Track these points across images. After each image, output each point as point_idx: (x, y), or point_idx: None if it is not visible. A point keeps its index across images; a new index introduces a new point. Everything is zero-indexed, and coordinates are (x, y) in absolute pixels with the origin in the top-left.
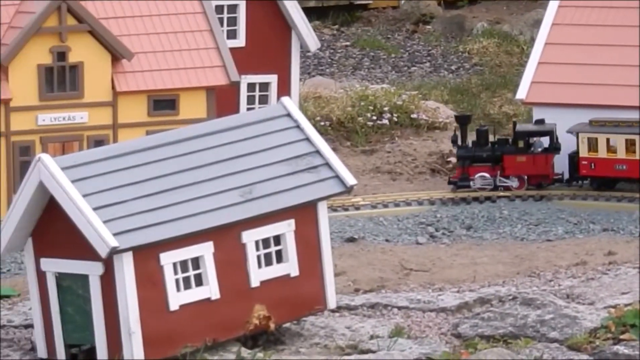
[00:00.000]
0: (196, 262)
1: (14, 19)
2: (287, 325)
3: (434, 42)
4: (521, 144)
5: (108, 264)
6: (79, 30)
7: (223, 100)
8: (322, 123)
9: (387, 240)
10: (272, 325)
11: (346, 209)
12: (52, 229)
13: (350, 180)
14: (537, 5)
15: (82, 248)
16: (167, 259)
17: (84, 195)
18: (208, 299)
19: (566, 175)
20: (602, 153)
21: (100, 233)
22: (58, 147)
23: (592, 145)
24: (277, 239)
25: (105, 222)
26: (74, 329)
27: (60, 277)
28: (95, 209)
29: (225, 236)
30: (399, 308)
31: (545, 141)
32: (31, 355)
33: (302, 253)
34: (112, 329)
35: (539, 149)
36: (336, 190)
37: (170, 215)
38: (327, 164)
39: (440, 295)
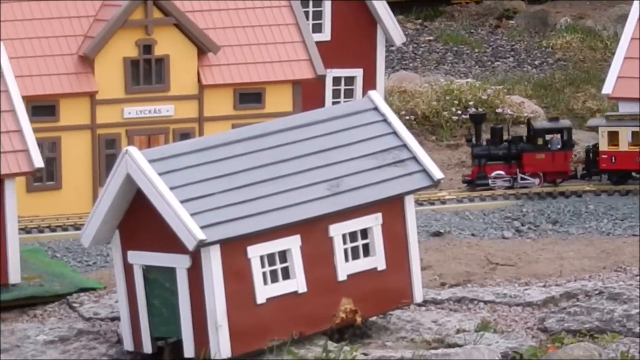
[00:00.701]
0: (283, 255)
1: (99, 12)
2: (374, 319)
3: (518, 37)
4: (540, 141)
5: (195, 256)
6: (165, 23)
7: (309, 94)
8: (407, 117)
9: (473, 235)
10: (358, 319)
11: (432, 203)
12: (140, 221)
13: (437, 174)
14: (620, 1)
15: (169, 241)
16: (255, 252)
17: (172, 188)
18: (295, 292)
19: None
20: (623, 146)
21: (188, 226)
22: (144, 140)
23: (612, 139)
24: (364, 233)
25: (192, 214)
26: (160, 321)
27: (147, 270)
28: (182, 201)
29: (313, 229)
30: (485, 302)
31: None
32: (117, 347)
33: (389, 247)
34: (199, 322)
35: (557, 146)
36: (423, 184)
37: (257, 208)
38: (414, 158)
39: (526, 290)
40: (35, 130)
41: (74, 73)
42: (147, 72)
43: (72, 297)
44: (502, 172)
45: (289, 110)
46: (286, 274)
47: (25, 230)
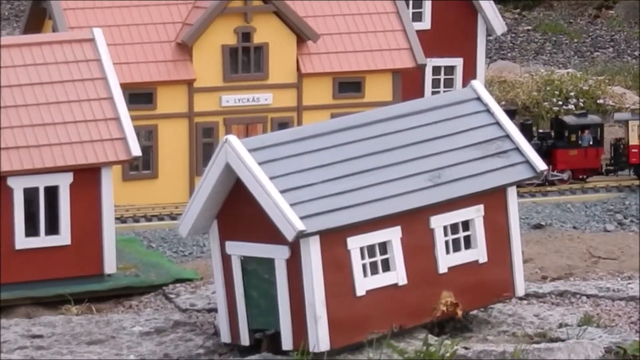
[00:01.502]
0: (383, 247)
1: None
2: (475, 312)
3: (617, 27)
4: (573, 137)
5: (294, 247)
6: (265, 10)
7: (408, 84)
8: (507, 108)
9: (574, 227)
10: (459, 312)
11: (533, 195)
12: (238, 211)
13: (541, 165)
14: None
15: (268, 231)
16: (355, 243)
17: (271, 178)
18: (395, 285)
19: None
20: None
21: (288, 216)
22: (242, 129)
23: None
24: (466, 225)
25: (292, 205)
26: (258, 313)
27: (246, 261)
28: (282, 191)
29: (414, 221)
30: (588, 296)
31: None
32: (214, 339)
33: (490, 239)
34: (298, 314)
35: (589, 143)
36: (526, 176)
37: (357, 199)
38: (517, 149)
39: (629, 284)
40: (132, 118)
41: (172, 60)
42: (245, 60)
43: (168, 287)
44: None
45: (388, 100)
46: (386, 266)
47: (121, 219)
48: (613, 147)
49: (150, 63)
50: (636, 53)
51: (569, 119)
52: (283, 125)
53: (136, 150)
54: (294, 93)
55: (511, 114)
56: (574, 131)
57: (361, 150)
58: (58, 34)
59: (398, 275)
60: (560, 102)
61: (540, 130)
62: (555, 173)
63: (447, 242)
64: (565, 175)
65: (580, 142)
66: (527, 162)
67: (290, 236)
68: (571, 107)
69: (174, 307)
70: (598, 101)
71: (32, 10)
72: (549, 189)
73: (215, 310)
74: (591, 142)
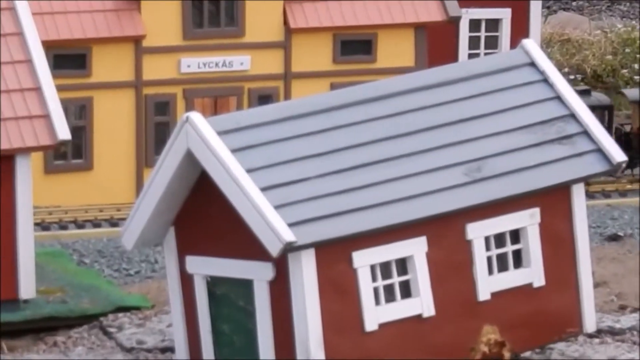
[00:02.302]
0: (402, 264)
1: None
2: (528, 354)
3: None
4: None
5: (281, 265)
6: None
7: (437, 43)
8: (572, 76)
9: None
10: (507, 355)
11: (607, 195)
12: (203, 216)
13: (618, 155)
14: None
15: (244, 243)
16: (363, 259)
17: (249, 171)
18: (418, 317)
19: None
20: None
21: (271, 223)
22: (208, 104)
23: None
24: (515, 235)
25: (277, 207)
26: (231, 352)
27: (214, 283)
28: (263, 189)
29: (444, 230)
30: None
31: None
32: None
33: (549, 255)
34: (285, 353)
35: None
36: (598, 169)
37: (367, 199)
38: (586, 133)
39: None
40: (58, 89)
41: (113, 10)
42: (213, 10)
43: (108, 318)
44: None
45: (409, 66)
46: (406, 291)
47: (42, 225)
48: (616, 134)
49: (82, 13)
50: None
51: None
52: (265, 98)
53: (64, 133)
54: (280, 55)
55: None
56: None
57: (372, 134)
58: None
59: (422, 303)
60: None
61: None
62: None
63: (489, 259)
64: None
65: None
66: (600, 150)
67: (274, 250)
68: None
69: (114, 344)
70: None
71: None
72: (629, 186)
73: (171, 349)
74: None
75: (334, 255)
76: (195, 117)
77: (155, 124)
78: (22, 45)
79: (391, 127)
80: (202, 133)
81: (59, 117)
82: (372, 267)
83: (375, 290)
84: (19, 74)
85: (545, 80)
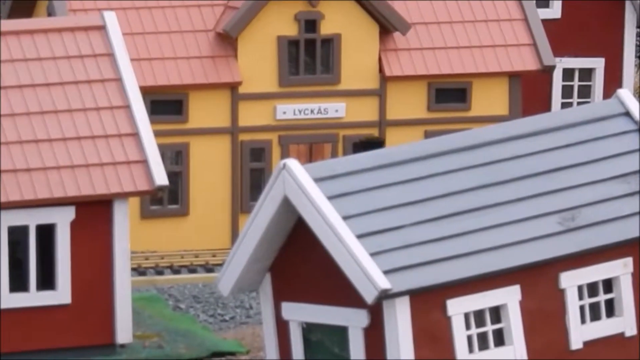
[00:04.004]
0: (496, 313)
1: None
2: None
3: None
4: None
5: (376, 312)
6: None
7: (530, 92)
8: None
9: None
10: None
11: None
12: (299, 263)
13: None
14: None
15: (340, 290)
16: (457, 307)
17: (345, 218)
18: None
19: None
20: None
21: (367, 270)
22: (303, 151)
23: None
24: (608, 284)
25: (373, 255)
26: None
27: (309, 329)
28: (359, 236)
29: (538, 278)
30: None
31: None
32: None
33: None
34: None
35: None
36: None
37: (461, 247)
38: None
39: None
40: (156, 134)
41: (210, 57)
42: (309, 58)
43: None
44: None
45: (503, 114)
46: (499, 339)
47: (138, 270)
48: None
49: (180, 60)
50: None
51: None
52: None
53: (161, 178)
54: (375, 103)
55: (374, 145)
56: None
57: (467, 183)
58: (57, 19)
59: (516, 351)
60: None
61: None
62: None
63: (582, 308)
64: None
65: None
66: None
67: (370, 297)
68: None
69: None
70: None
71: None
72: None
73: None
74: None
75: (429, 303)
76: (292, 164)
77: (251, 170)
78: (121, 91)
79: (485, 175)
80: (299, 180)
81: (157, 163)
82: (466, 315)
83: (469, 338)
84: (117, 119)
85: None
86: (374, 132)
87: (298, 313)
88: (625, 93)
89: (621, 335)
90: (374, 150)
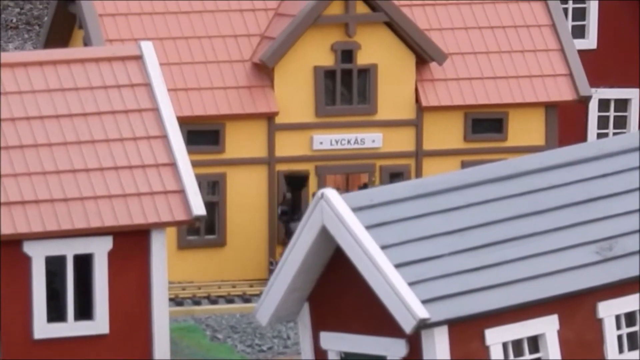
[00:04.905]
0: (534, 342)
1: (282, 4)
2: None
3: None
4: None
5: (414, 342)
6: (373, 21)
7: (566, 122)
8: None
9: None
10: None
11: None
12: (338, 293)
13: None
14: None
15: (378, 320)
16: (496, 337)
17: (383, 247)
18: None
19: None
20: None
21: (405, 300)
22: (340, 181)
23: None
24: None
25: (411, 284)
26: None
27: (347, 359)
28: (397, 266)
29: (575, 308)
30: None
31: None
32: None
33: None
34: None
35: None
36: None
37: (499, 277)
38: None
39: None
40: (193, 164)
41: (246, 87)
42: (346, 88)
43: None
44: None
45: (540, 144)
46: None
47: (175, 301)
48: None
49: (217, 90)
50: None
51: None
52: (396, 176)
53: (199, 208)
54: (412, 133)
55: (300, 180)
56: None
57: (504, 212)
58: (94, 49)
59: None
60: None
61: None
62: None
63: (620, 338)
64: None
65: None
66: None
67: (408, 327)
68: None
69: None
70: None
71: (57, 16)
72: None
73: None
74: None
75: (467, 332)
76: (331, 193)
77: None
78: (158, 121)
79: (522, 205)
80: (336, 209)
81: (194, 193)
82: (505, 345)
83: None
84: (154, 149)
85: None
86: (411, 162)
87: (337, 343)
88: None
89: None
90: (298, 184)
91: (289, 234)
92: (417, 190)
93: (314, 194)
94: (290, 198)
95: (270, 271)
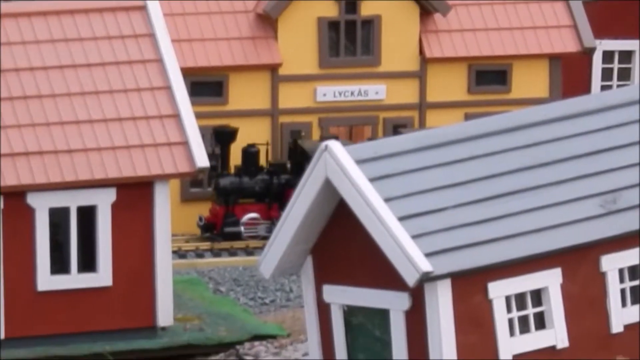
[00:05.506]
0: (537, 296)
1: None
2: None
3: None
4: None
5: (417, 295)
6: None
7: (570, 74)
8: None
9: None
10: None
11: None
12: (341, 245)
13: None
14: None
15: (381, 273)
16: (498, 290)
17: (387, 200)
18: (552, 348)
19: None
20: None
21: (408, 253)
22: (344, 132)
23: None
24: None
25: (415, 237)
26: None
27: (350, 312)
28: (401, 218)
29: (579, 261)
30: None
31: None
32: None
33: None
34: None
35: None
36: None
37: (502, 230)
38: None
39: None
40: (196, 116)
41: (249, 38)
42: (350, 39)
43: (244, 347)
44: (257, 216)
45: (544, 96)
46: (541, 322)
47: (178, 253)
48: None
49: (220, 41)
50: None
51: (310, 147)
52: (400, 128)
53: (202, 160)
54: (415, 85)
55: (227, 135)
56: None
57: (507, 165)
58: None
59: (557, 335)
60: None
61: (273, 162)
62: None
63: (623, 291)
64: None
65: None
66: None
67: (411, 280)
68: None
69: None
70: None
71: None
72: None
73: None
74: None
75: (470, 286)
76: (334, 145)
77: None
78: (162, 72)
79: (526, 158)
80: (340, 162)
81: (198, 145)
82: (508, 298)
83: (510, 321)
84: (158, 100)
85: None
86: (414, 114)
87: (339, 296)
88: None
89: None
90: (227, 139)
91: (217, 189)
92: (421, 143)
93: (320, 143)
94: (219, 153)
95: (200, 227)
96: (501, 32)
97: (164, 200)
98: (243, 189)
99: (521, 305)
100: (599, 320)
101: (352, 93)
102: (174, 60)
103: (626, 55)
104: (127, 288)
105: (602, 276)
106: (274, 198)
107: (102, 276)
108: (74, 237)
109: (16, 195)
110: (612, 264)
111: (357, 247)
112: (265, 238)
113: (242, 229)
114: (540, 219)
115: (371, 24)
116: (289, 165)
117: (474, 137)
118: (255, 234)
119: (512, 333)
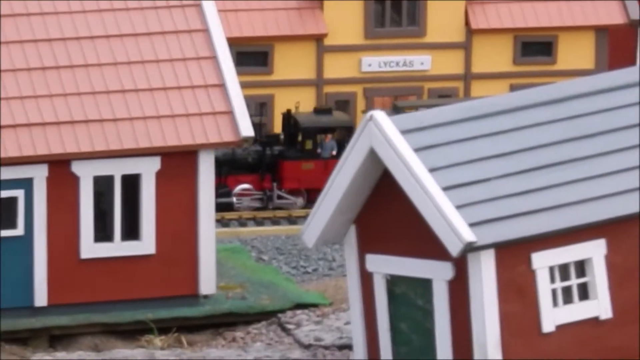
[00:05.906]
0: (581, 267)
1: None
2: None
3: None
4: (308, 144)
5: (461, 265)
6: None
7: (616, 46)
8: None
9: None
10: None
11: None
12: (384, 215)
13: None
14: None
15: (425, 243)
16: (542, 261)
17: (431, 170)
18: (595, 319)
19: None
20: None
21: (452, 223)
22: (388, 103)
23: None
24: None
25: (459, 207)
26: (408, 351)
27: (393, 282)
28: (445, 189)
29: (624, 233)
30: None
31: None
32: None
33: None
34: (463, 353)
35: (332, 152)
36: None
37: (546, 201)
38: None
39: None
40: (241, 86)
41: (295, 9)
42: (395, 10)
43: (286, 315)
44: (249, 187)
45: (589, 68)
46: (584, 293)
47: (221, 222)
48: None
49: (266, 11)
50: None
51: (303, 118)
52: (444, 98)
53: (247, 130)
54: (461, 56)
55: None
56: (309, 135)
57: (552, 136)
58: None
59: (600, 306)
60: None
61: (266, 134)
62: (281, 194)
63: None
64: (295, 199)
65: (319, 151)
66: None
67: (455, 250)
68: None
69: (292, 341)
70: None
71: None
72: None
73: (348, 347)
74: (335, 152)
75: (513, 256)
76: (379, 115)
77: None
78: (208, 42)
79: (572, 129)
80: (385, 132)
81: (243, 114)
82: (551, 269)
83: (553, 291)
84: (203, 70)
85: None
86: (459, 85)
87: (383, 265)
88: None
89: None
90: None
91: None
92: (466, 113)
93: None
94: None
95: None
96: (547, 3)
97: (208, 169)
98: (236, 160)
99: (565, 276)
100: None
101: (397, 63)
102: (219, 30)
103: None
104: (170, 256)
105: None
106: (267, 169)
107: (146, 244)
108: (117, 206)
109: (61, 164)
110: None
111: (400, 217)
112: (260, 209)
113: (234, 199)
114: (584, 190)
115: None
116: (282, 137)
117: (518, 108)
118: (247, 205)
119: (555, 303)
